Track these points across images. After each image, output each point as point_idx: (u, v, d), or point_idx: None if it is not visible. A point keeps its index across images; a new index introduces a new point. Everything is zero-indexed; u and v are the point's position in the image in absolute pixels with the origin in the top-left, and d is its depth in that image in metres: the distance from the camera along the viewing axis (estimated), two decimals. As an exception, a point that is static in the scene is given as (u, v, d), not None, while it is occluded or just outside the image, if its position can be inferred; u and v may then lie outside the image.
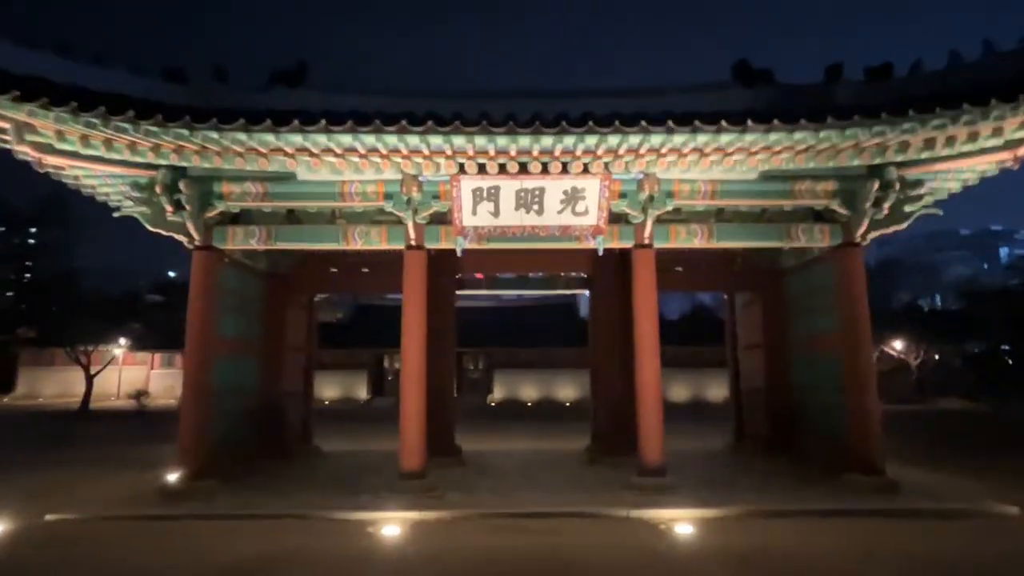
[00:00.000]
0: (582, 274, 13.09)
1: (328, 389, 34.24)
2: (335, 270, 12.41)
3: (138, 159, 7.71)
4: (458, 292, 13.37)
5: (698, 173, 8.68)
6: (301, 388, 13.04)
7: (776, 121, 7.09)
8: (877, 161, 8.05)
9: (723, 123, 7.09)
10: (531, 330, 36.72)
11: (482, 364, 37.61)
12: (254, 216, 9.59)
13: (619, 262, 11.47)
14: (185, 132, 6.95)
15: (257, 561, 5.91)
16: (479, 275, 13.18)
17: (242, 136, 7.13)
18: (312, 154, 7.74)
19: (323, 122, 7.00)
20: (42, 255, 53.00)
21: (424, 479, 8.52)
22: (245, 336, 10.63)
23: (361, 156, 7.81)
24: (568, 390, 34.26)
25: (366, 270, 12.36)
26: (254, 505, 7.80)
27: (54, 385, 37.34)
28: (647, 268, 9.12)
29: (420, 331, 8.97)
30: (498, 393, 35.50)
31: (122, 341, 30.17)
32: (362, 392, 36.57)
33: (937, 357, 34.94)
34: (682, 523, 6.99)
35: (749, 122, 7.10)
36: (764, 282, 12.28)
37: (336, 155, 7.76)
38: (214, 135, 7.05)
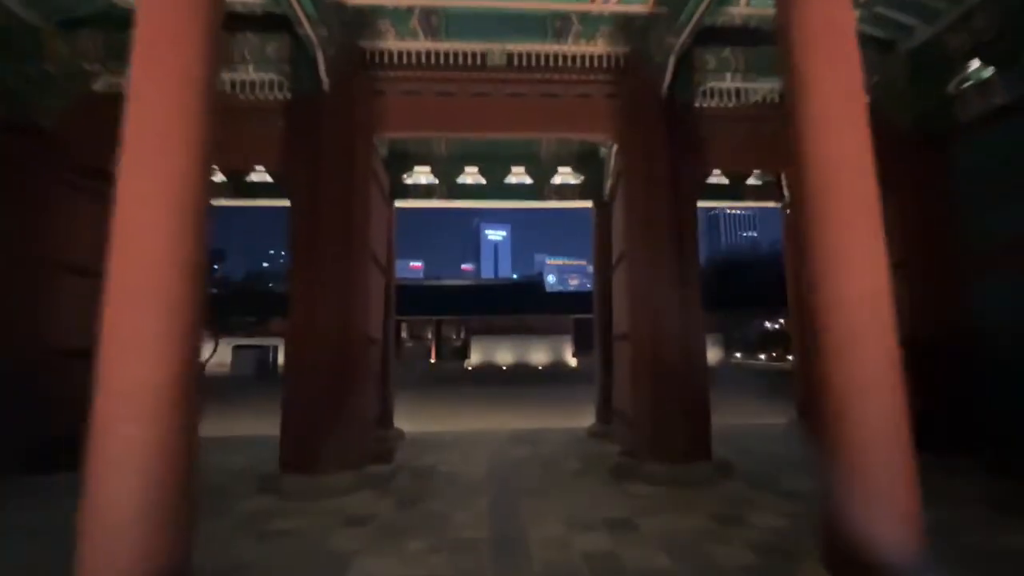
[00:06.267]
0: (583, 179, 8.75)
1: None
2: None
3: None
4: (400, 204, 8.34)
5: None
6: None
7: None
8: None
9: None
10: (505, 302, 37.71)
11: (462, 333, 38.10)
12: None
13: (663, 113, 6.26)
14: None
15: None
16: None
17: None
18: None
19: None
20: None
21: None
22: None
23: None
24: (540, 354, 35.08)
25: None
26: None
27: None
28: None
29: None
30: (475, 358, 35.15)
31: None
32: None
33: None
34: None
35: None
36: (908, 157, 6.97)
37: None
38: None
